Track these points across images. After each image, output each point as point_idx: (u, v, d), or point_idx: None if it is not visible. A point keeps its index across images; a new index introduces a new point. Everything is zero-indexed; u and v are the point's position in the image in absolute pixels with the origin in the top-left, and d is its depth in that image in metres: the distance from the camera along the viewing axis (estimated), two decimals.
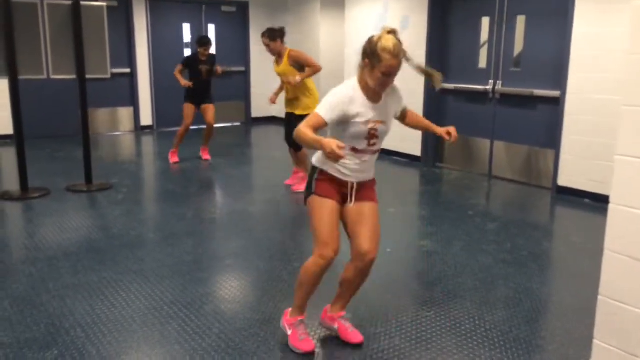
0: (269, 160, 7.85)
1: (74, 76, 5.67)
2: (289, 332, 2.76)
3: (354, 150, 2.59)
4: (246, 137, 9.84)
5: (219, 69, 7.21)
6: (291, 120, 5.53)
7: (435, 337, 2.87)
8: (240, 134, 10.04)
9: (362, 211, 2.67)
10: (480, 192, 6.18)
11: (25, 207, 5.19)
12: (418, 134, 7.22)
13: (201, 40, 7.03)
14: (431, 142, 7.23)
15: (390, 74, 2.48)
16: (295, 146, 5.52)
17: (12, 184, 5.78)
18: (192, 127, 7.35)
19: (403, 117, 2.87)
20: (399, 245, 4.32)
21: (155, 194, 6.07)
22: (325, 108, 2.50)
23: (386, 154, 7.67)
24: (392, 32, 2.49)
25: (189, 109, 7.12)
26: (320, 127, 2.51)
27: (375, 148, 2.65)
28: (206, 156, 7.49)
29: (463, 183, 6.45)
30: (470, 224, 4.79)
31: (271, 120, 10.99)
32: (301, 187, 5.57)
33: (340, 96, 2.53)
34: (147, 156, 8.31)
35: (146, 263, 3.81)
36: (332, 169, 2.61)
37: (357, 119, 2.53)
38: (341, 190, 2.65)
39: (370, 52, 2.47)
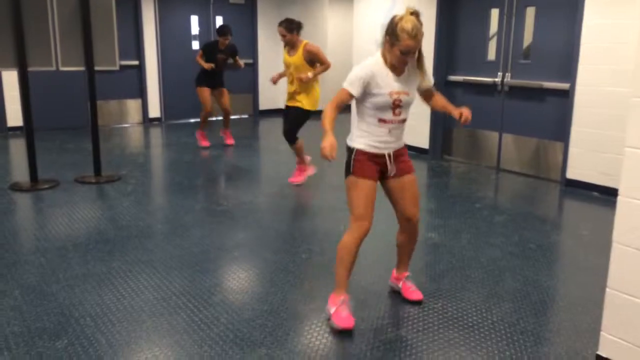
0: (276, 153, 7.86)
1: (82, 68, 5.69)
2: (332, 311, 2.87)
3: (382, 120, 2.80)
4: (254, 129, 9.85)
5: (241, 63, 7.29)
6: (290, 114, 5.52)
7: (441, 329, 2.88)
8: (248, 126, 10.04)
9: (402, 185, 2.94)
10: (488, 185, 6.16)
11: (35, 198, 5.23)
12: (426, 127, 7.20)
13: (221, 30, 7.13)
14: (439, 134, 7.21)
15: (407, 52, 2.68)
16: (289, 140, 5.53)
17: (22, 175, 5.83)
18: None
19: (428, 97, 3.05)
20: (412, 251, 4.32)
21: (164, 186, 6.10)
22: (351, 82, 2.74)
23: None
24: (414, 13, 2.68)
25: (205, 92, 7.25)
26: (347, 101, 2.79)
27: (401, 117, 2.84)
28: (229, 141, 7.59)
29: (471, 176, 6.43)
30: (478, 216, 4.79)
31: (279, 112, 10.98)
32: (297, 179, 5.69)
33: (364, 69, 2.74)
34: (156, 148, 8.34)
35: (155, 254, 3.84)
36: (367, 146, 2.82)
37: (382, 90, 2.74)
38: (378, 164, 2.86)
39: (391, 31, 2.68)
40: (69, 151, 7.38)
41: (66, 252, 3.83)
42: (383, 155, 2.85)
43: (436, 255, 3.89)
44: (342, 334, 2.80)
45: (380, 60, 2.78)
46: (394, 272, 3.26)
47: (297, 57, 5.35)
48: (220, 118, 7.88)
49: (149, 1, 9.46)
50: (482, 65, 6.65)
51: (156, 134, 9.17)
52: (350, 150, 2.87)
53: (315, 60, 5.36)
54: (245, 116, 10.81)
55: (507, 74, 6.37)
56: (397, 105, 2.78)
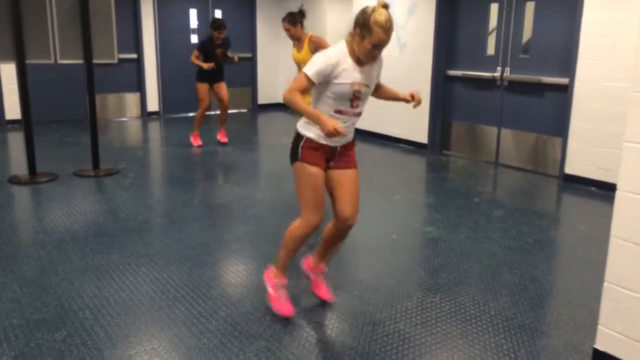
0: (275, 147, 7.86)
1: (81, 61, 5.68)
2: (271, 292, 2.93)
3: (338, 111, 2.70)
4: (252, 123, 9.84)
5: (236, 57, 7.24)
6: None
7: (439, 322, 2.89)
8: (246, 120, 10.03)
9: (344, 178, 2.81)
10: (486, 180, 6.16)
11: (34, 191, 5.23)
12: (425, 122, 7.20)
13: (216, 23, 7.06)
14: (438, 129, 7.21)
15: (379, 46, 2.59)
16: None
17: (21, 168, 5.82)
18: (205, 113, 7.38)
19: (377, 88, 2.95)
20: (405, 232, 4.34)
21: (162, 179, 6.10)
22: (314, 69, 2.61)
23: (392, 141, 7.66)
24: (385, 6, 2.59)
25: (204, 88, 7.18)
26: (308, 88, 2.65)
27: (357, 110, 2.75)
28: (223, 139, 7.54)
29: (469, 170, 6.44)
30: (476, 211, 4.80)
31: (277, 107, 10.98)
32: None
33: (329, 58, 2.63)
34: (154, 142, 8.33)
35: (153, 247, 3.84)
36: (317, 136, 2.70)
37: (343, 80, 2.63)
38: (325, 155, 2.77)
39: (363, 23, 2.57)
40: (67, 144, 7.37)
41: (65, 245, 3.83)
42: (332, 148, 2.75)
43: (434, 250, 3.90)
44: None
45: (346, 49, 2.67)
46: (310, 260, 3.11)
47: (305, 52, 5.25)
48: (217, 112, 7.81)
49: None
50: (481, 60, 6.65)
51: (155, 127, 9.15)
52: (299, 136, 2.77)
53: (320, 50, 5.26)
54: (244, 110, 10.79)
55: (506, 69, 6.36)
56: (356, 97, 2.69)
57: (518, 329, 2.83)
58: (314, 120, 2.57)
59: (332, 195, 2.86)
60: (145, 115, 9.80)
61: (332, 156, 2.79)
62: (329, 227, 2.94)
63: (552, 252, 4.04)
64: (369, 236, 4.19)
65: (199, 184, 5.73)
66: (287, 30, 5.27)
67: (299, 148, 2.76)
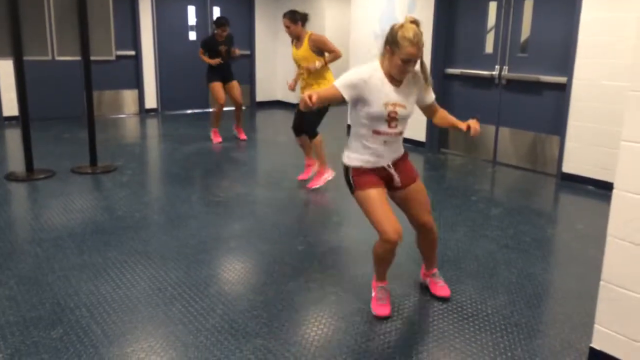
0: (273, 144, 7.85)
1: (78, 57, 5.67)
2: (373, 294, 3.00)
3: (376, 132, 2.72)
4: (251, 121, 9.83)
5: (237, 51, 7.25)
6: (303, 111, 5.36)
7: (436, 321, 2.89)
8: (245, 117, 10.01)
9: (411, 195, 2.88)
10: (484, 178, 6.17)
11: (31, 188, 5.22)
12: (422, 119, 7.18)
13: (219, 21, 7.11)
14: (435, 127, 7.21)
15: (409, 61, 2.60)
16: (310, 134, 5.24)
17: (18, 165, 5.81)
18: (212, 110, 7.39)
19: (432, 114, 2.97)
20: (402, 229, 4.33)
21: (160, 177, 6.09)
22: (343, 82, 2.64)
23: None
24: (415, 22, 2.62)
25: (218, 87, 7.21)
26: (333, 99, 2.65)
27: (396, 130, 2.75)
28: (242, 136, 7.60)
29: (467, 169, 6.44)
30: (474, 209, 4.80)
31: (276, 104, 10.98)
32: (317, 183, 5.32)
33: (359, 73, 2.65)
34: (152, 139, 8.31)
35: (151, 244, 3.84)
36: (361, 162, 2.76)
37: (376, 100, 2.64)
38: (380, 175, 2.79)
39: (391, 40, 2.60)
40: (65, 141, 7.35)
41: (62, 243, 3.83)
42: (382, 168, 2.78)
43: None
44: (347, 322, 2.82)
45: (378, 67, 2.69)
46: (423, 269, 3.25)
47: (304, 49, 5.20)
48: (229, 109, 7.80)
49: None
50: (479, 59, 6.65)
51: (152, 124, 9.14)
52: (346, 168, 2.83)
53: (322, 49, 5.11)
54: (243, 107, 10.76)
55: (504, 67, 6.36)
56: (392, 118, 2.69)
57: (515, 328, 2.83)
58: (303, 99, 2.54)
59: (406, 213, 2.95)
60: (143, 112, 9.78)
61: (386, 175, 2.80)
62: (417, 240, 3.08)
63: (549, 250, 4.04)
64: (365, 234, 4.17)
65: (196, 181, 5.72)
66: (287, 27, 5.19)
67: (350, 178, 2.81)
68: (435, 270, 3.19)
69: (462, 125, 2.86)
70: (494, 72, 6.45)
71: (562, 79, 5.69)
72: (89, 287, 3.17)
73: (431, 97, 2.89)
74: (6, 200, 4.90)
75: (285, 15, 5.20)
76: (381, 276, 2.96)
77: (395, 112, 2.68)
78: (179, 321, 2.82)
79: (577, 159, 5.59)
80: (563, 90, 5.68)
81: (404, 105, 2.71)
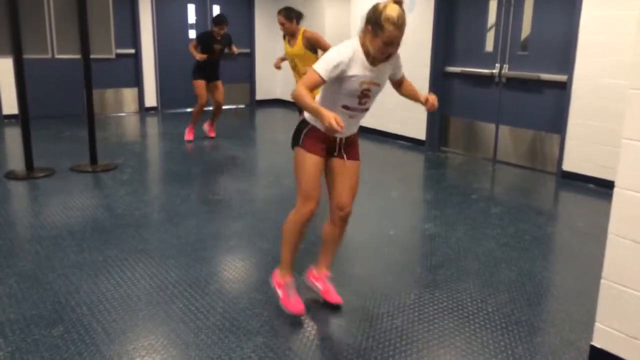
0: (272, 143, 7.85)
1: (78, 56, 5.66)
2: (280, 294, 2.90)
3: (345, 107, 2.68)
4: (250, 119, 9.83)
5: (235, 49, 7.24)
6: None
7: (437, 319, 2.89)
8: (244, 116, 10.01)
9: (344, 168, 2.83)
10: (484, 177, 6.17)
11: (30, 187, 5.22)
12: (423, 118, 7.19)
13: (217, 19, 7.07)
14: (436, 125, 7.21)
15: (391, 43, 2.52)
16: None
17: (17, 163, 5.80)
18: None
19: (399, 84, 2.94)
20: (402, 228, 4.34)
21: (160, 175, 6.09)
22: (325, 67, 2.54)
23: (390, 137, 7.65)
24: (398, 2, 2.53)
25: (201, 85, 7.17)
26: (318, 86, 2.59)
27: (365, 107, 2.74)
28: (212, 133, 7.54)
29: (467, 167, 6.44)
30: (474, 208, 4.80)
31: (275, 102, 10.97)
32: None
33: (340, 55, 2.56)
34: (152, 137, 8.31)
35: (151, 242, 3.84)
36: (322, 126, 2.64)
37: (354, 78, 2.60)
38: (327, 145, 2.76)
39: (374, 20, 2.50)
40: (64, 140, 7.35)
41: (62, 241, 3.83)
42: (334, 139, 2.76)
43: (432, 246, 3.90)
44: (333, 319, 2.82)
45: (358, 46, 2.59)
46: (313, 271, 3.07)
47: (298, 46, 5.23)
48: (210, 109, 7.79)
49: None
50: (480, 57, 6.64)
51: (152, 123, 9.13)
52: (304, 123, 2.76)
53: (316, 46, 5.16)
54: (242, 106, 10.77)
55: (504, 66, 6.36)
56: (365, 95, 2.66)
57: (515, 326, 2.83)
58: (315, 115, 2.49)
59: (330, 185, 2.87)
60: (143, 111, 9.77)
61: (335, 148, 2.79)
62: (325, 226, 2.98)
63: (549, 248, 4.04)
64: (366, 232, 4.19)
65: (196, 179, 5.72)
66: (281, 24, 5.23)
67: (302, 134, 2.75)
68: (329, 274, 3.05)
69: (421, 98, 2.85)
70: (494, 71, 6.45)
71: (562, 77, 5.69)
72: (89, 285, 3.17)
73: (401, 72, 2.88)
74: (6, 198, 4.89)
75: (280, 12, 5.23)
76: (287, 266, 2.89)
77: (369, 90, 2.66)
78: (180, 319, 2.82)
79: (577, 157, 5.59)
80: (563, 89, 5.67)
81: (377, 83, 2.68)
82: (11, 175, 5.43)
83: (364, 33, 2.57)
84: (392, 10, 2.47)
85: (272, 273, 3.02)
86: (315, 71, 2.54)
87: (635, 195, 2.20)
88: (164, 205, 4.79)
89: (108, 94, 9.47)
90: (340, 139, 2.78)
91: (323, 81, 2.55)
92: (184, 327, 2.75)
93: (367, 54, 2.59)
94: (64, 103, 8.91)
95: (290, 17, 5.19)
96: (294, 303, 2.84)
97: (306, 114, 2.75)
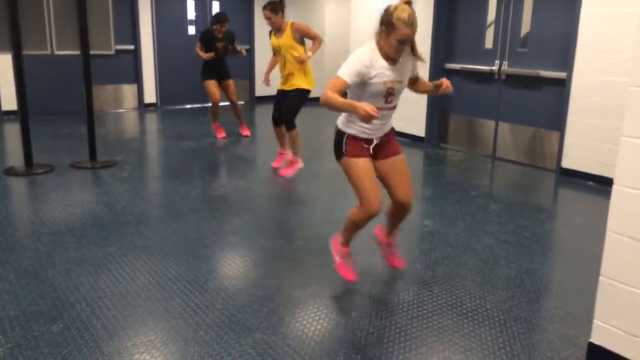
0: (272, 139, 7.82)
1: (78, 52, 5.65)
2: (337, 259, 3.13)
3: None
4: (250, 115, 9.82)
5: (243, 50, 7.24)
6: (284, 98, 5.46)
7: (436, 315, 2.90)
8: (244, 112, 9.98)
9: (392, 166, 2.98)
10: (483, 173, 6.17)
11: (30, 183, 5.22)
12: (422, 114, 7.19)
13: (218, 17, 7.09)
14: (435, 122, 7.21)
15: (404, 41, 2.70)
16: (288, 124, 5.39)
17: (17, 159, 5.80)
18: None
19: (414, 83, 3.08)
20: (402, 225, 4.33)
21: (160, 172, 6.09)
22: (348, 72, 2.72)
23: None
24: (408, 2, 2.72)
25: (211, 85, 7.18)
26: (343, 89, 2.74)
27: (392, 104, 2.89)
28: (246, 132, 7.57)
29: (466, 164, 6.44)
30: (473, 204, 4.80)
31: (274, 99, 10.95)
32: (289, 172, 5.49)
33: (361, 60, 2.74)
34: (151, 134, 8.30)
35: (150, 239, 3.84)
36: (358, 132, 2.87)
37: (376, 80, 2.77)
38: (368, 147, 2.92)
39: (387, 21, 2.70)
40: (64, 136, 7.34)
41: (62, 237, 3.83)
42: (371, 141, 2.91)
43: (431, 243, 3.91)
44: (341, 316, 2.82)
45: (376, 49, 2.78)
46: (381, 231, 3.34)
47: (286, 37, 5.28)
48: (226, 104, 7.79)
49: None
50: (479, 54, 6.64)
51: (152, 119, 9.13)
52: (341, 133, 2.91)
53: (306, 36, 5.31)
54: (242, 102, 10.75)
55: (504, 63, 6.35)
56: (390, 94, 2.82)
57: (514, 323, 2.84)
58: (350, 110, 2.62)
59: (385, 185, 3.01)
60: (142, 107, 9.76)
61: (374, 147, 2.92)
62: (388, 207, 3.12)
63: (548, 245, 4.05)
64: (365, 229, 4.18)
65: (196, 176, 5.72)
66: (268, 18, 5.33)
67: (343, 144, 2.90)
68: (394, 241, 3.30)
69: (436, 85, 2.95)
70: (493, 67, 6.44)
71: (562, 74, 5.69)
72: (89, 282, 3.17)
73: (418, 69, 3.02)
74: (5, 194, 4.89)
75: (265, 7, 5.35)
76: (347, 241, 3.11)
77: (393, 88, 2.81)
78: (179, 315, 2.83)
79: (576, 154, 5.59)
80: (563, 86, 5.67)
81: (400, 80, 2.84)
82: (11, 172, 5.43)
83: (379, 35, 2.76)
84: (403, 11, 2.66)
85: (333, 238, 3.20)
86: (338, 76, 2.72)
87: (634, 192, 2.20)
88: (163, 201, 4.79)
89: (107, 90, 9.47)
90: (379, 138, 2.92)
91: (347, 85, 2.72)
92: (183, 323, 2.76)
93: (384, 54, 2.76)
94: (63, 99, 8.90)
95: (276, 10, 5.30)
96: (347, 271, 3.07)
97: (340, 125, 2.93)
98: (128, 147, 6.89)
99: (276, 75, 5.72)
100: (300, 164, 5.54)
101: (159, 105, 9.91)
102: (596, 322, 2.43)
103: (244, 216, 4.41)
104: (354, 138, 2.88)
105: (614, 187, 2.27)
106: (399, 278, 3.34)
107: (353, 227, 3.02)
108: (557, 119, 5.80)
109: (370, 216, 2.89)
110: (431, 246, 3.85)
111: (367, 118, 2.54)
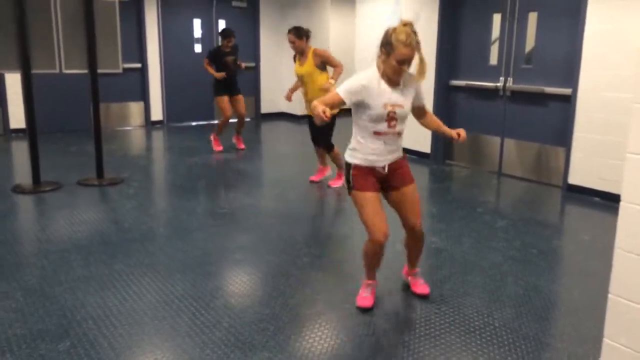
0: (278, 156, 7.87)
1: (86, 71, 5.71)
2: (360, 290, 3.19)
3: (377, 133, 2.86)
4: (256, 132, 9.86)
5: (242, 64, 7.36)
6: (314, 123, 5.52)
7: (443, 334, 2.88)
8: (249, 129, 10.05)
9: (402, 197, 3.03)
10: (489, 190, 6.16)
11: (37, 200, 5.24)
12: (428, 131, 7.18)
13: (224, 33, 7.24)
14: (440, 139, 7.21)
15: (403, 61, 2.75)
16: (327, 149, 5.62)
17: (25, 177, 5.84)
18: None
19: (421, 115, 3.12)
20: (420, 253, 4.32)
21: (166, 189, 6.11)
22: (344, 88, 2.81)
23: None
24: (407, 24, 2.78)
25: (224, 101, 7.34)
26: (336, 104, 2.83)
27: (396, 130, 2.90)
28: (241, 145, 7.66)
29: (472, 180, 6.43)
30: (480, 221, 4.79)
31: (280, 116, 11.01)
32: (337, 183, 5.74)
33: (359, 79, 2.82)
34: (158, 151, 8.35)
35: (157, 257, 3.84)
36: (362, 160, 2.90)
37: (375, 102, 2.79)
38: (377, 177, 2.95)
39: (386, 42, 2.77)
40: (71, 153, 7.39)
41: (68, 255, 3.84)
42: (380, 168, 2.93)
43: (438, 260, 3.89)
44: (354, 333, 2.81)
45: (376, 72, 2.84)
46: (405, 268, 3.42)
47: (308, 64, 5.41)
48: (233, 120, 7.90)
49: (152, 4, 9.49)
50: (484, 70, 6.66)
51: (158, 136, 9.18)
52: (347, 165, 2.97)
53: (327, 63, 5.45)
54: (247, 119, 10.81)
55: (509, 79, 6.37)
56: (392, 118, 2.84)
57: (523, 341, 2.81)
58: (312, 109, 2.71)
59: (397, 212, 3.09)
60: (149, 125, 9.82)
61: (384, 176, 2.96)
62: (405, 240, 3.22)
63: (555, 262, 4.03)
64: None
65: (202, 193, 5.73)
66: (292, 42, 5.45)
67: (350, 177, 2.95)
68: (417, 270, 3.35)
69: (452, 133, 3.04)
70: (498, 84, 6.46)
71: (567, 91, 5.70)
72: (95, 300, 3.17)
73: (424, 99, 3.05)
74: (13, 212, 4.92)
75: (290, 31, 5.44)
76: (371, 275, 3.16)
77: (394, 112, 2.83)
78: (186, 334, 2.82)
79: (583, 171, 5.57)
80: (568, 102, 5.68)
81: (401, 105, 2.86)
82: (18, 189, 5.46)
83: (379, 57, 2.82)
84: (401, 32, 2.72)
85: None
86: (335, 92, 2.83)
87: None
88: (170, 219, 4.80)
89: (114, 108, 9.54)
90: (385, 167, 2.94)
91: (340, 100, 2.80)
92: (190, 341, 2.75)
93: (385, 77, 2.82)
94: (71, 117, 8.97)
95: (300, 35, 5.43)
96: (361, 298, 3.13)
97: (346, 156, 2.98)
98: (135, 164, 6.92)
99: (284, 89, 5.82)
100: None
101: (166, 123, 9.97)
102: (606, 340, 2.40)
103: (250, 233, 4.41)
104: (359, 168, 2.91)
105: (621, 204, 2.26)
106: (406, 296, 3.32)
107: (367, 260, 3.08)
108: (562, 135, 5.80)
109: (376, 246, 2.94)
110: (438, 263, 3.83)
111: (319, 118, 2.60)
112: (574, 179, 5.66)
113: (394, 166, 2.97)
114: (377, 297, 3.27)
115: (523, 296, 3.33)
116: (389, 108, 2.81)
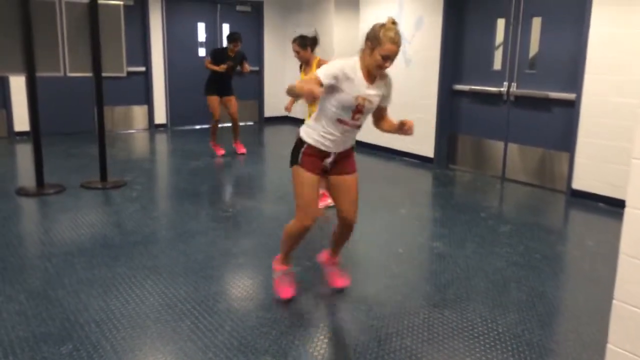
0: (281, 160, 7.87)
1: (90, 74, 5.73)
2: (275, 277, 3.29)
3: (340, 121, 2.91)
4: (259, 136, 9.87)
5: (247, 67, 7.34)
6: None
7: (447, 339, 2.87)
8: (253, 133, 10.06)
9: (344, 184, 3.08)
10: (493, 195, 6.15)
11: (41, 203, 5.25)
12: (431, 135, 7.20)
13: (231, 37, 7.21)
14: (444, 143, 7.21)
15: (388, 57, 2.79)
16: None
17: (28, 179, 5.85)
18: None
19: (380, 117, 3.11)
20: (411, 247, 4.32)
21: (169, 192, 6.12)
22: (324, 72, 2.80)
23: (398, 154, 7.66)
24: (395, 23, 2.85)
25: (214, 101, 7.34)
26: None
27: (357, 123, 2.96)
28: (241, 150, 7.68)
29: (476, 185, 6.42)
30: (483, 226, 4.78)
31: (284, 119, 11.01)
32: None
33: (340, 66, 2.83)
34: (161, 154, 8.36)
35: (160, 260, 3.84)
36: (317, 142, 2.95)
37: (349, 91, 2.83)
38: (323, 162, 3.01)
39: (373, 36, 2.81)
40: (75, 156, 7.41)
41: (72, 257, 3.84)
42: (329, 154, 2.98)
43: (441, 265, 3.88)
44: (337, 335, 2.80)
45: (358, 63, 2.88)
46: (326, 255, 3.44)
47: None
48: (228, 125, 7.92)
49: (157, 8, 9.52)
50: (488, 75, 6.66)
51: (162, 140, 9.20)
52: (301, 141, 3.00)
53: None
54: (251, 123, 10.83)
55: (513, 84, 6.37)
56: (358, 110, 2.89)
57: (526, 347, 2.80)
58: (299, 91, 2.67)
59: (334, 199, 3.16)
60: (153, 128, 9.84)
61: (331, 163, 3.02)
62: (334, 228, 3.26)
63: (559, 268, 4.01)
64: (375, 250, 4.18)
65: (205, 196, 5.74)
66: (296, 52, 5.35)
67: (300, 153, 2.99)
68: (337, 259, 3.41)
69: (402, 121, 2.97)
70: (502, 89, 6.46)
71: (571, 96, 5.69)
72: (98, 303, 3.17)
73: (390, 102, 3.08)
74: (16, 215, 4.93)
75: (294, 41, 5.34)
76: (286, 258, 3.24)
77: (363, 106, 2.88)
78: (188, 338, 2.82)
79: (587, 176, 5.56)
80: (572, 107, 5.67)
81: (371, 100, 2.91)
82: (22, 192, 5.48)
83: (364, 50, 2.87)
84: (390, 29, 2.79)
85: (275, 257, 3.32)
86: (315, 75, 2.82)
87: None
88: (173, 222, 4.81)
89: (118, 111, 9.56)
90: (336, 154, 2.99)
91: (319, 82, 2.77)
92: (192, 345, 2.74)
93: (365, 70, 2.87)
94: (74, 120, 9.00)
95: (305, 44, 5.28)
96: (282, 289, 3.21)
97: (301, 132, 3.03)
98: (138, 167, 6.93)
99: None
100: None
101: (169, 126, 9.99)
102: (610, 346, 2.39)
103: (252, 236, 4.41)
104: (311, 149, 2.95)
105: (626, 209, 2.26)
106: (409, 300, 3.31)
107: (288, 242, 3.13)
108: (566, 140, 5.79)
109: (302, 228, 3.00)
110: (441, 268, 3.82)
111: (310, 98, 2.61)
112: (578, 184, 5.65)
113: (341, 154, 3.03)
114: (379, 302, 3.27)
115: (527, 302, 3.32)
116: (360, 100, 2.85)
